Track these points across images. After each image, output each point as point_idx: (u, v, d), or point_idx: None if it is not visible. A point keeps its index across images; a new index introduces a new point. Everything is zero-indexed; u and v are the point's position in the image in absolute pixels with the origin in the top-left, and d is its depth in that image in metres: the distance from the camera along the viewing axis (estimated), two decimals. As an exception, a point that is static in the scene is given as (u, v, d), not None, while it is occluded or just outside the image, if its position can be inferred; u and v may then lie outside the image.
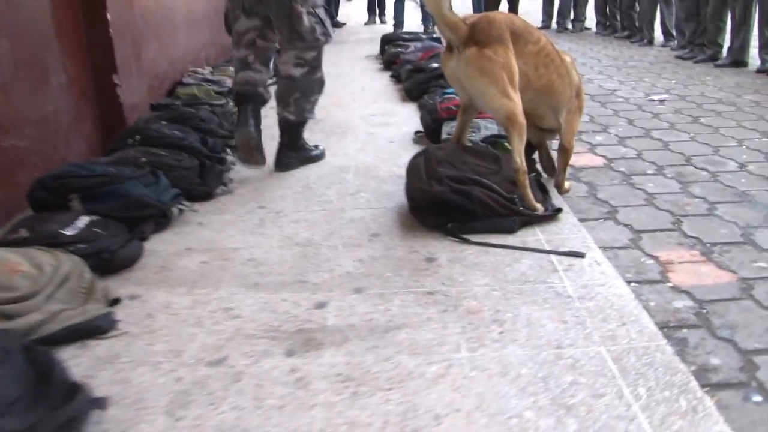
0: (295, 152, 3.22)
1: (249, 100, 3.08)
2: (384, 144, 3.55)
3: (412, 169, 2.51)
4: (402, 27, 8.61)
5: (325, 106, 4.44)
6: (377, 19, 10.32)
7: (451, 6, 2.41)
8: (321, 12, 3.09)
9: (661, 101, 4.74)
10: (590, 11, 9.01)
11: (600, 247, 2.40)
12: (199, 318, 1.94)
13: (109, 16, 3.47)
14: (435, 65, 4.42)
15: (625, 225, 2.65)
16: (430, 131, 3.44)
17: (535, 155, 2.98)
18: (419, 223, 2.45)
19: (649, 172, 3.28)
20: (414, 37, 6.53)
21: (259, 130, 3.07)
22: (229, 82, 4.82)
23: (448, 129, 3.16)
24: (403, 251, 2.28)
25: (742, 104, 4.57)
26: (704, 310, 2.01)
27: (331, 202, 2.78)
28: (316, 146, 3.39)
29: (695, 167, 3.33)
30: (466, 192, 2.32)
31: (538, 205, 2.42)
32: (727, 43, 6.07)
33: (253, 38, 3.10)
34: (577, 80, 2.76)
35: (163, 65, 4.64)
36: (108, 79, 3.57)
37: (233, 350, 1.77)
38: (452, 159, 2.42)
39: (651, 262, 2.34)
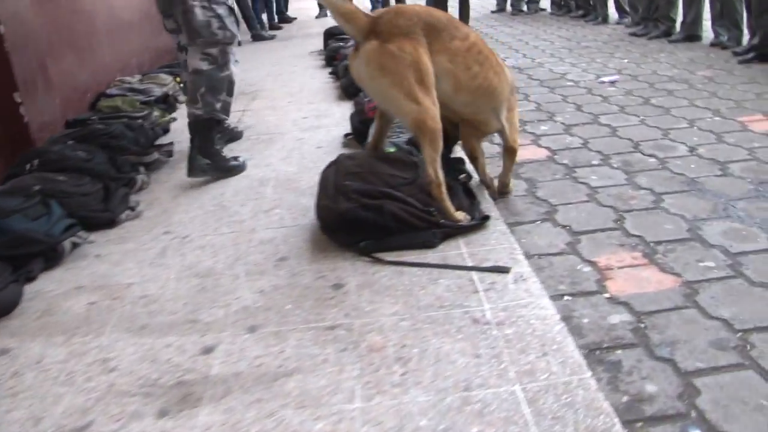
0: (208, 158, 2.99)
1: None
2: (311, 150, 3.30)
3: (322, 183, 2.27)
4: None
5: (257, 110, 4.20)
6: (328, 12, 10.01)
7: None
8: (220, 8, 2.89)
9: (612, 83, 4.52)
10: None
11: (534, 255, 2.19)
12: (71, 374, 1.71)
13: (2, 29, 3.17)
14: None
15: (564, 226, 2.43)
16: (358, 133, 3.20)
17: (454, 151, 2.73)
18: (332, 241, 2.20)
19: (594, 162, 3.06)
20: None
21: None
22: (157, 91, 4.55)
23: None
24: (309, 277, 2.03)
25: (694, 81, 4.36)
26: (643, 325, 1.79)
27: (242, 221, 2.53)
28: (236, 158, 3.12)
29: (643, 154, 3.11)
30: (377, 207, 2.08)
31: (461, 216, 2.19)
32: (680, 18, 5.86)
33: (179, 43, 3.21)
34: (510, 76, 2.51)
35: (83, 76, 4.33)
36: (8, 98, 3.27)
37: (101, 413, 1.54)
38: (363, 170, 2.17)
39: (588, 269, 2.11)
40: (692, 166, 2.90)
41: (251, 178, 3.00)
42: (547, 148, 3.33)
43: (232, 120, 3.84)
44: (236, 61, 3.07)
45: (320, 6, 10.07)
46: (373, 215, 2.08)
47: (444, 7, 7.90)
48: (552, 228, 2.42)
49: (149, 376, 1.65)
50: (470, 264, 2.00)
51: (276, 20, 9.15)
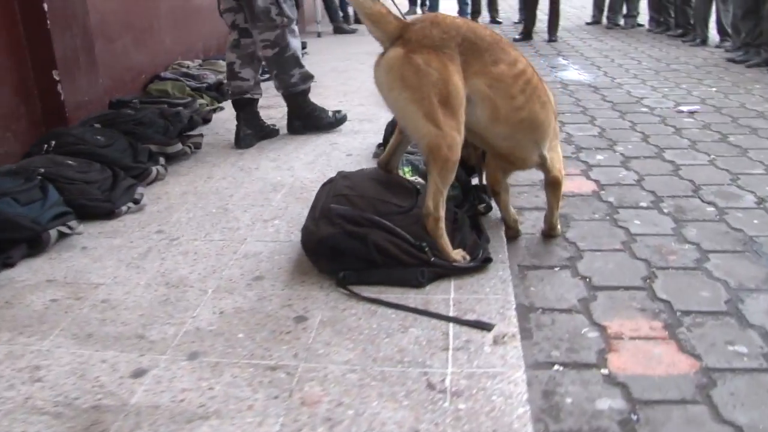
0: (299, 119, 3.55)
1: (240, 108, 3.43)
2: (340, 158, 3.11)
3: (314, 201, 2.09)
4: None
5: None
6: (419, 10, 9.80)
7: None
8: None
9: (691, 113, 4.09)
10: (645, 7, 8.22)
11: (538, 309, 1.93)
12: (-2, 378, 1.59)
13: (45, 7, 3.16)
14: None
15: (584, 277, 2.13)
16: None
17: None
18: (314, 265, 2.01)
19: (643, 204, 2.72)
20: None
21: (251, 133, 3.44)
22: (211, 78, 4.50)
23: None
24: (275, 304, 1.85)
25: (787, 120, 3.88)
26: (635, 417, 1.50)
27: (237, 229, 2.38)
28: (337, 112, 3.65)
29: (702, 200, 2.74)
30: (361, 236, 1.87)
31: (458, 255, 1.94)
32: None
33: (234, 22, 3.36)
34: (554, 101, 2.22)
35: (139, 58, 4.34)
36: (47, 76, 3.27)
37: (1, 429, 1.41)
38: (353, 193, 1.96)
39: (594, 335, 1.82)
40: (755, 221, 2.51)
41: (266, 181, 2.85)
42: (596, 181, 3.00)
43: (271, 117, 3.72)
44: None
45: (410, 2, 9.90)
46: (356, 244, 1.87)
47: (533, 12, 7.58)
48: (569, 278, 2.13)
49: (69, 394, 1.52)
50: (452, 313, 1.75)
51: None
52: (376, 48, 1.97)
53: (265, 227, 2.38)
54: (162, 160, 3.04)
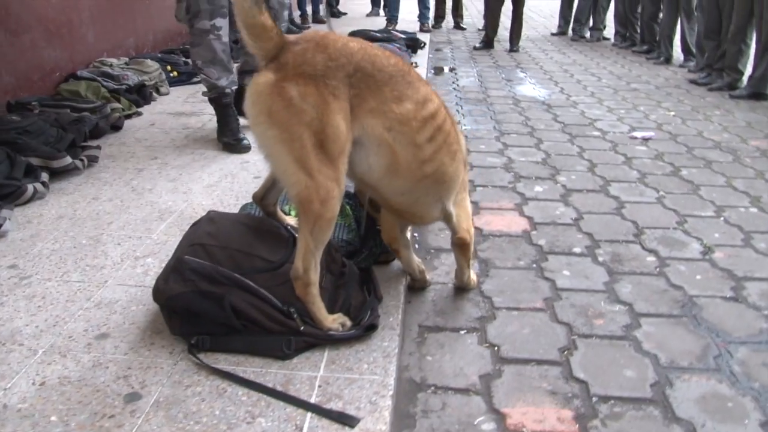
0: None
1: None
2: (246, 180, 2.78)
3: (178, 245, 1.74)
4: (395, 23, 7.76)
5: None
6: (381, 11, 9.47)
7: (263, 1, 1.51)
8: None
9: (645, 139, 3.83)
10: (612, 20, 8.00)
11: (429, 387, 1.62)
12: None
13: None
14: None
15: (492, 345, 1.83)
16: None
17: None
18: (167, 325, 1.68)
19: (576, 250, 2.43)
20: (386, 36, 5.71)
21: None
22: (133, 79, 4.12)
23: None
24: (111, 373, 1.52)
25: (743, 153, 3.63)
26: None
27: (102, 268, 2.03)
28: None
29: (643, 247, 2.46)
30: (217, 297, 1.54)
31: (335, 323, 1.62)
32: (749, 71, 5.07)
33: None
34: (464, 147, 1.89)
35: (52, 54, 3.94)
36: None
37: None
38: (215, 243, 1.63)
39: (489, 426, 1.52)
40: (698, 277, 2.24)
41: (155, 206, 2.50)
42: (529, 218, 2.71)
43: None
44: None
45: (373, 3, 9.57)
46: (211, 306, 1.54)
47: (496, 20, 7.28)
48: (475, 345, 1.83)
49: None
50: (315, 398, 1.44)
51: (321, 13, 8.68)
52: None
53: (134, 266, 2.04)
54: (45, 176, 2.67)
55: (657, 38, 6.74)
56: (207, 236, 1.64)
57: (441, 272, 2.21)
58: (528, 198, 2.92)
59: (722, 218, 2.74)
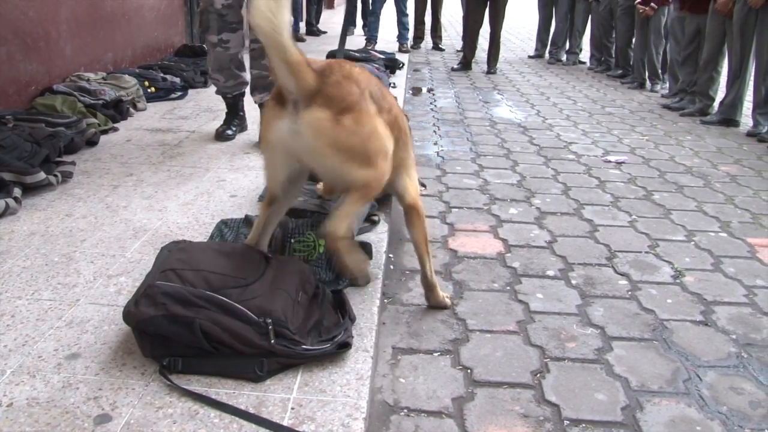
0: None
1: None
2: (222, 199, 2.76)
3: (152, 268, 1.73)
4: (374, 42, 7.82)
5: (203, 134, 3.69)
6: (357, 30, 9.54)
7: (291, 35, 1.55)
8: None
9: (619, 163, 3.89)
10: (588, 44, 8.15)
11: (401, 410, 1.61)
12: None
13: None
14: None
15: (465, 368, 1.83)
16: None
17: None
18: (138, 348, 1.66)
19: (550, 273, 2.45)
20: (365, 56, 5.75)
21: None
22: (110, 94, 4.09)
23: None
24: (81, 394, 1.50)
25: (714, 177, 3.71)
26: None
27: (74, 286, 2.00)
28: None
29: (615, 271, 2.49)
30: (187, 321, 1.52)
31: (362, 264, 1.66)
32: (720, 97, 5.19)
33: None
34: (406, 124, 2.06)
35: (28, 67, 3.91)
36: None
37: None
38: (186, 267, 1.62)
39: (462, 451, 1.52)
40: (668, 300, 2.27)
41: (130, 224, 2.48)
42: (503, 240, 2.73)
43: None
44: None
45: (347, 22, 9.63)
46: (181, 330, 1.53)
47: (474, 42, 7.39)
48: (448, 368, 1.83)
49: None
50: (287, 420, 1.43)
51: (300, 32, 8.72)
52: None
53: (107, 285, 2.02)
54: (17, 191, 2.64)
55: (631, 63, 6.88)
56: (178, 262, 1.63)
57: (416, 293, 2.22)
58: (503, 220, 2.95)
59: (693, 242, 2.79)
